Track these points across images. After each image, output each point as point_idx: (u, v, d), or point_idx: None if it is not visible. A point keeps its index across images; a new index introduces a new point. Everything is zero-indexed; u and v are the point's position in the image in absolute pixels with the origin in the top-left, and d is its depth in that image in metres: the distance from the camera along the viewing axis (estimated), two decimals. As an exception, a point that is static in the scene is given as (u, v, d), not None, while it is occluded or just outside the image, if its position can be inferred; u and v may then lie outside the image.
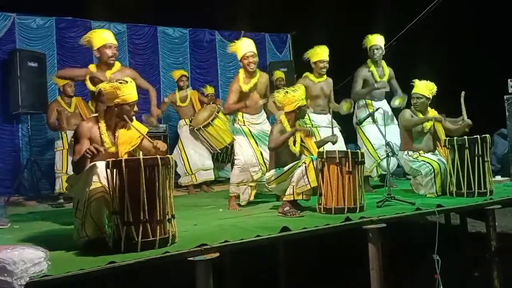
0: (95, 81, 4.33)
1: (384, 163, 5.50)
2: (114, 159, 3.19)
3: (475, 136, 4.88)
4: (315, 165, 4.24)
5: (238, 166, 4.96)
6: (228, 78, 8.94)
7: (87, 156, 3.22)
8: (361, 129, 5.81)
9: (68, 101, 6.60)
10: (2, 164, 7.33)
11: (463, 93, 5.15)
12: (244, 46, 4.93)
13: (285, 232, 3.52)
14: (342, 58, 5.67)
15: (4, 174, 7.30)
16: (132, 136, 3.60)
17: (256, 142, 4.97)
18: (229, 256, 4.11)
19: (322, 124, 5.62)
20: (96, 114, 3.68)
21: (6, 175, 7.31)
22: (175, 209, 3.36)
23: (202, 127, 6.35)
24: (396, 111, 5.78)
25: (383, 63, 5.98)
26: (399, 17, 7.86)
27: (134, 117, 3.67)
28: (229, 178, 5.26)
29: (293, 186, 4.28)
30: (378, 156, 5.73)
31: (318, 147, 4.68)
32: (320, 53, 5.54)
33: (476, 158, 4.81)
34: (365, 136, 5.82)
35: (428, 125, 5.26)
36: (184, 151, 6.91)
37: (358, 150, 4.94)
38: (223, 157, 7.24)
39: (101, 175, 3.22)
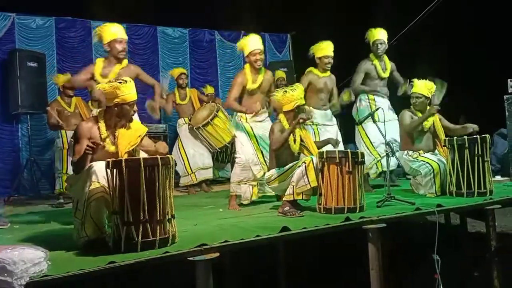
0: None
1: (384, 162, 5.50)
2: (114, 159, 3.19)
3: (475, 136, 4.88)
4: (315, 165, 4.24)
5: (239, 165, 4.96)
6: (228, 78, 8.95)
7: (88, 153, 3.22)
8: (361, 126, 5.81)
9: (68, 101, 6.60)
10: (1, 164, 7.34)
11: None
12: (252, 43, 4.94)
13: (285, 232, 3.52)
14: (342, 58, 5.66)
15: (4, 174, 7.31)
16: (132, 136, 3.60)
17: (257, 141, 4.97)
18: (229, 256, 4.11)
19: (322, 120, 5.63)
20: (96, 114, 3.68)
21: (6, 175, 7.32)
22: (175, 209, 3.36)
23: (202, 126, 6.34)
24: (397, 111, 5.78)
25: (385, 57, 6.01)
26: (399, 17, 7.86)
27: (134, 117, 3.67)
28: (229, 178, 5.25)
29: (293, 186, 4.28)
30: (379, 154, 5.74)
31: (318, 148, 4.68)
32: (324, 49, 5.54)
33: (476, 158, 4.80)
34: (365, 133, 5.83)
35: (427, 124, 5.26)
36: (184, 150, 6.88)
37: (358, 150, 4.95)
38: (223, 157, 7.23)
39: (101, 175, 3.22)
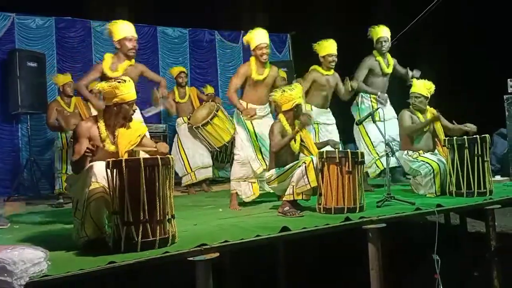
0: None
1: (384, 161, 5.50)
2: (114, 159, 3.19)
3: (474, 136, 4.88)
4: (315, 165, 4.24)
5: (238, 162, 4.97)
6: (228, 78, 8.91)
7: (87, 155, 3.22)
8: (363, 124, 5.81)
9: (68, 101, 6.60)
10: (1, 164, 7.33)
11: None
12: (259, 37, 4.95)
13: (285, 232, 3.52)
14: (341, 58, 5.67)
15: (3, 174, 7.31)
16: (132, 135, 3.60)
17: (256, 137, 4.97)
18: (229, 256, 4.11)
19: (323, 119, 5.63)
20: (95, 114, 3.68)
21: (6, 175, 7.32)
22: (175, 209, 3.36)
23: (201, 125, 6.34)
24: (397, 111, 5.78)
25: (387, 53, 6.03)
26: (399, 17, 7.85)
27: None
28: (229, 178, 5.26)
29: (293, 186, 4.28)
30: (377, 153, 5.74)
31: (319, 149, 4.68)
32: (328, 47, 5.54)
33: (476, 158, 4.81)
34: (366, 132, 5.84)
35: (427, 124, 5.27)
36: (183, 149, 6.87)
37: (358, 150, 4.95)
38: (223, 157, 7.23)
39: (100, 175, 3.21)
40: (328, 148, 4.86)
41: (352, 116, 6.10)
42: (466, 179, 4.81)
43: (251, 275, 4.64)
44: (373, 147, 5.79)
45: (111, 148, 3.50)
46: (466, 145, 4.82)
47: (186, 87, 7.27)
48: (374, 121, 5.32)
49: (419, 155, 5.17)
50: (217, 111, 6.43)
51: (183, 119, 7.04)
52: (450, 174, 4.94)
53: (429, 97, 5.32)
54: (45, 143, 7.54)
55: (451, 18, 7.97)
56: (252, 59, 4.99)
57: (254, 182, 4.98)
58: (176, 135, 7.11)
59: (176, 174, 6.81)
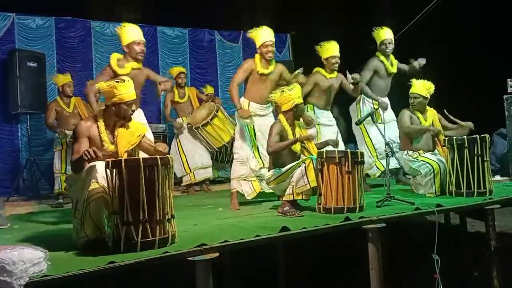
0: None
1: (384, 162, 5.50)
2: (113, 159, 3.19)
3: (474, 135, 4.88)
4: (314, 165, 4.24)
5: (238, 160, 4.97)
6: (228, 78, 8.93)
7: (85, 158, 3.20)
8: (363, 125, 5.81)
9: (67, 101, 6.60)
10: (1, 164, 7.33)
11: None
12: (264, 35, 4.93)
13: (285, 232, 3.52)
14: (341, 58, 5.66)
15: (3, 174, 7.30)
16: (131, 135, 3.59)
17: (255, 136, 4.96)
18: (229, 256, 4.12)
19: (324, 120, 5.63)
20: (95, 113, 3.68)
21: (6, 175, 7.31)
22: (175, 209, 3.36)
23: (201, 126, 6.34)
24: (396, 112, 5.77)
25: (390, 54, 6.05)
26: (399, 17, 7.86)
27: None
28: (229, 178, 5.26)
29: (293, 186, 4.28)
30: (377, 154, 5.74)
31: (319, 149, 4.68)
32: (330, 49, 5.54)
33: (476, 157, 4.81)
34: (367, 133, 5.85)
35: (426, 123, 5.27)
36: (183, 150, 6.87)
37: (358, 150, 4.94)
38: (223, 157, 7.22)
39: (100, 175, 3.21)
40: (328, 148, 4.87)
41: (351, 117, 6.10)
42: (466, 179, 4.81)
43: (251, 275, 4.64)
44: (374, 148, 5.79)
45: (111, 148, 3.50)
46: (466, 145, 4.82)
47: (186, 87, 7.26)
48: (374, 122, 5.33)
49: (419, 155, 5.17)
50: (216, 111, 6.43)
51: (182, 119, 7.02)
52: (450, 174, 4.95)
53: (429, 97, 5.32)
54: (45, 143, 7.54)
55: (451, 18, 7.97)
56: (257, 56, 4.97)
57: (254, 181, 4.98)
58: (175, 135, 7.11)
59: (175, 174, 6.81)
